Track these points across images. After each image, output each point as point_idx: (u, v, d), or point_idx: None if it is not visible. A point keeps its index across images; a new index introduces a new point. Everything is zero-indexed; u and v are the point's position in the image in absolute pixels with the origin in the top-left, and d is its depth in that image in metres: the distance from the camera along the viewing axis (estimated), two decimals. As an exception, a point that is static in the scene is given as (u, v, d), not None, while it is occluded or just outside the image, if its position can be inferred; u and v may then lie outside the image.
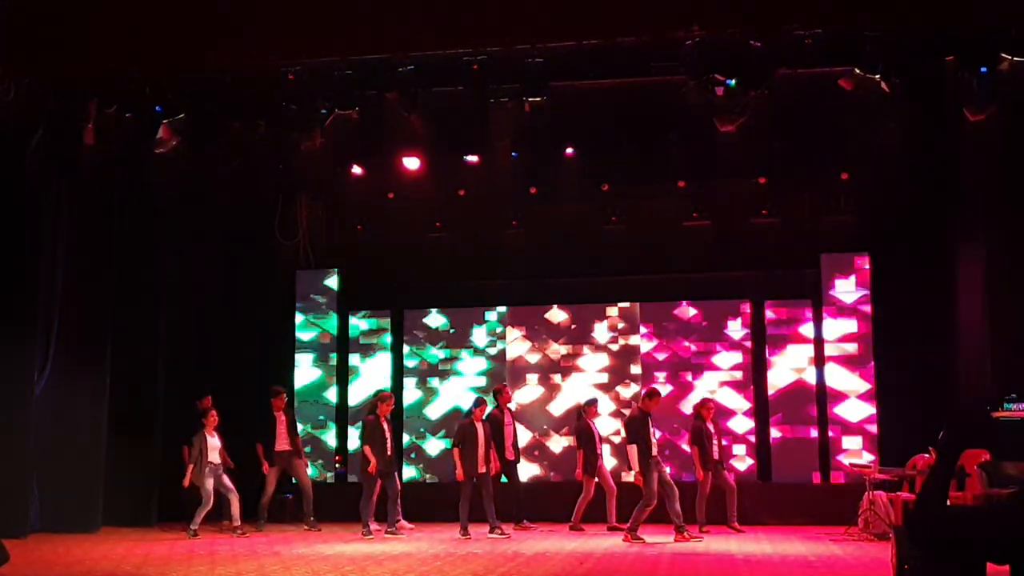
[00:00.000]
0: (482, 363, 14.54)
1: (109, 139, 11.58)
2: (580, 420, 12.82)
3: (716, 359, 13.95)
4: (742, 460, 13.59)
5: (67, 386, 12.52)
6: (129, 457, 12.77)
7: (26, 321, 12.18)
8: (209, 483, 12.07)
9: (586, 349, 14.34)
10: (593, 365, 14.28)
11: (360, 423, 12.98)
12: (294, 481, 13.24)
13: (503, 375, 14.37)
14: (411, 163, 12.45)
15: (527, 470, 13.87)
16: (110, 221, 12.98)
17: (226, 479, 12.26)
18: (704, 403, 12.63)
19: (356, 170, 13.15)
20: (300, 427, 13.71)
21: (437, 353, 14.65)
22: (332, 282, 14.93)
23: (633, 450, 11.35)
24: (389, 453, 12.18)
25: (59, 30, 10.54)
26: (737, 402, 13.77)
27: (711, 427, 12.41)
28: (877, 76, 10.20)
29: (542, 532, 12.34)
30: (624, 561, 9.90)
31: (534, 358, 14.44)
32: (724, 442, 13.04)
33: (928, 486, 3.02)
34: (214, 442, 12.21)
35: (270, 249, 14.49)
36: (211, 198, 13.40)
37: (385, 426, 12.22)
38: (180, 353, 13.72)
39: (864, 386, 13.36)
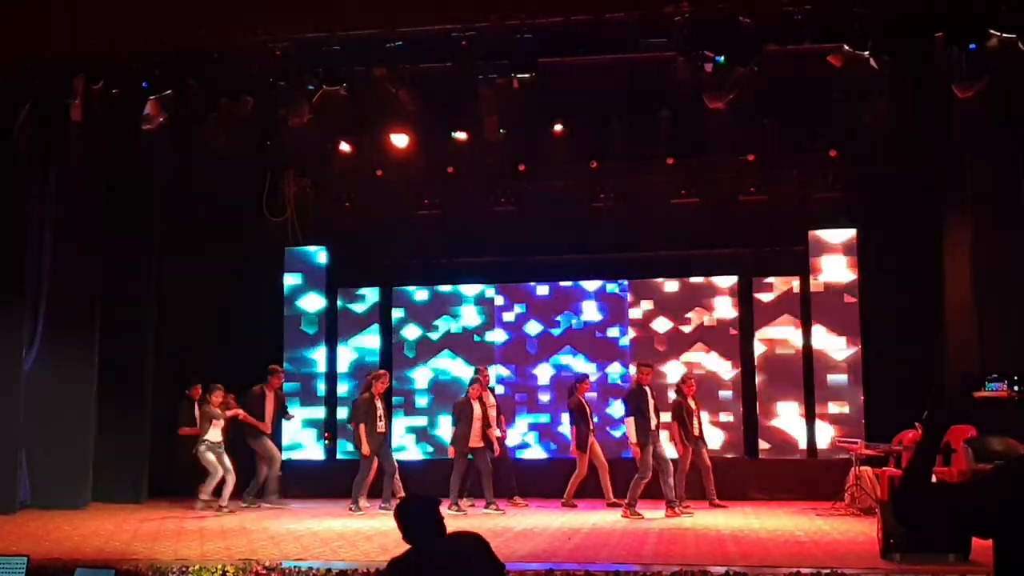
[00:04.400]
0: (471, 340, 14.55)
1: (96, 115, 11.52)
2: (572, 396, 12.84)
3: (704, 335, 13.98)
4: (729, 435, 13.65)
5: (56, 362, 12.51)
6: (118, 433, 12.77)
7: (14, 297, 12.16)
8: (211, 455, 12.08)
9: (575, 325, 14.35)
10: (582, 342, 14.30)
11: (352, 402, 12.97)
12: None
13: (492, 352, 14.39)
14: (399, 140, 12.40)
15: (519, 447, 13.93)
16: (98, 198, 12.93)
17: (226, 459, 12.25)
18: (685, 379, 12.63)
19: (344, 147, 13.09)
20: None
21: (426, 329, 14.66)
22: (320, 259, 14.91)
23: (630, 423, 11.42)
24: (382, 431, 12.25)
25: (45, 5, 10.46)
26: (725, 378, 13.82)
27: (692, 403, 12.45)
28: (866, 53, 10.18)
29: (533, 508, 12.39)
30: (612, 536, 9.96)
31: (523, 334, 14.45)
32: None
33: (911, 465, 3.04)
34: (217, 420, 12.21)
35: (258, 226, 14.44)
36: (198, 175, 13.34)
37: (378, 404, 12.30)
38: (169, 329, 13.70)
39: (851, 362, 13.41)
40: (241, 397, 12.70)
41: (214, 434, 12.19)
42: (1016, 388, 9.91)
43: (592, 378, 13.52)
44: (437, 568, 4.33)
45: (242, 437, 12.66)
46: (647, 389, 11.62)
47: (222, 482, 12.20)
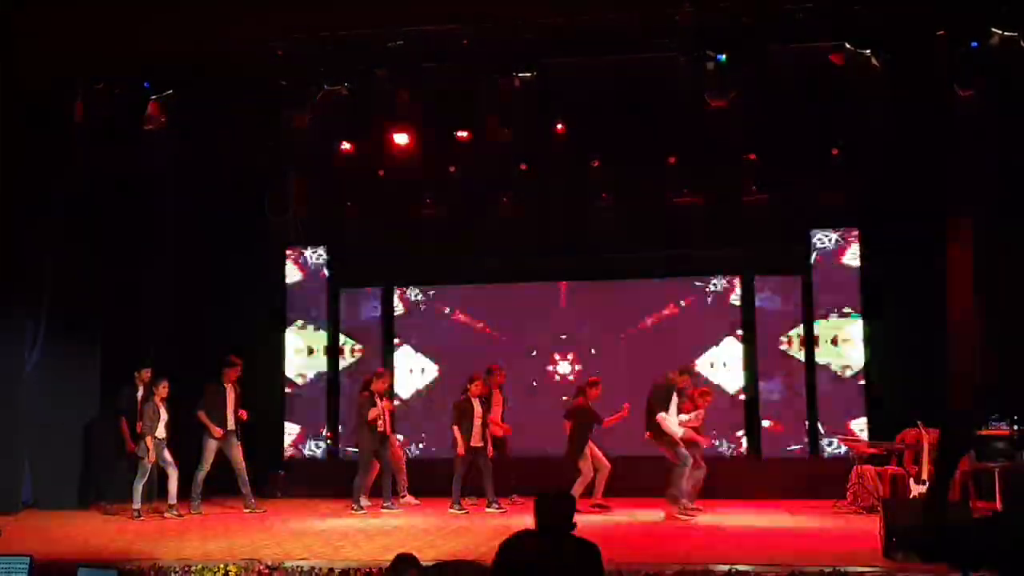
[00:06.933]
0: (473, 340, 14.55)
1: (98, 116, 11.52)
2: (577, 398, 12.67)
3: (706, 335, 13.98)
4: (732, 434, 13.66)
5: (58, 362, 12.50)
6: (120, 433, 12.74)
7: (16, 297, 12.17)
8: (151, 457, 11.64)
9: (577, 326, 14.35)
10: (585, 342, 14.30)
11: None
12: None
13: (496, 352, 14.39)
14: (401, 139, 12.39)
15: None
16: (99, 198, 12.93)
17: (167, 453, 11.75)
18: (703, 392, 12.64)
19: (346, 147, 13.08)
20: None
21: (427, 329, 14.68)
22: (322, 259, 14.92)
23: (663, 418, 11.39)
24: (381, 429, 12.23)
25: (47, 6, 10.47)
26: (727, 377, 13.83)
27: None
28: (868, 52, 10.19)
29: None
30: (614, 535, 9.95)
31: (526, 335, 14.46)
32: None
33: (930, 500, 3.13)
34: (163, 414, 11.71)
35: (260, 226, 14.42)
36: (200, 175, 13.34)
37: (379, 402, 12.28)
38: (171, 329, 13.69)
39: (853, 360, 13.43)
40: (200, 399, 12.11)
41: (161, 430, 11.64)
42: (1017, 427, 10.10)
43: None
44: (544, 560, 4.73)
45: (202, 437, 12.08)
46: (673, 390, 11.59)
47: (165, 480, 11.74)
